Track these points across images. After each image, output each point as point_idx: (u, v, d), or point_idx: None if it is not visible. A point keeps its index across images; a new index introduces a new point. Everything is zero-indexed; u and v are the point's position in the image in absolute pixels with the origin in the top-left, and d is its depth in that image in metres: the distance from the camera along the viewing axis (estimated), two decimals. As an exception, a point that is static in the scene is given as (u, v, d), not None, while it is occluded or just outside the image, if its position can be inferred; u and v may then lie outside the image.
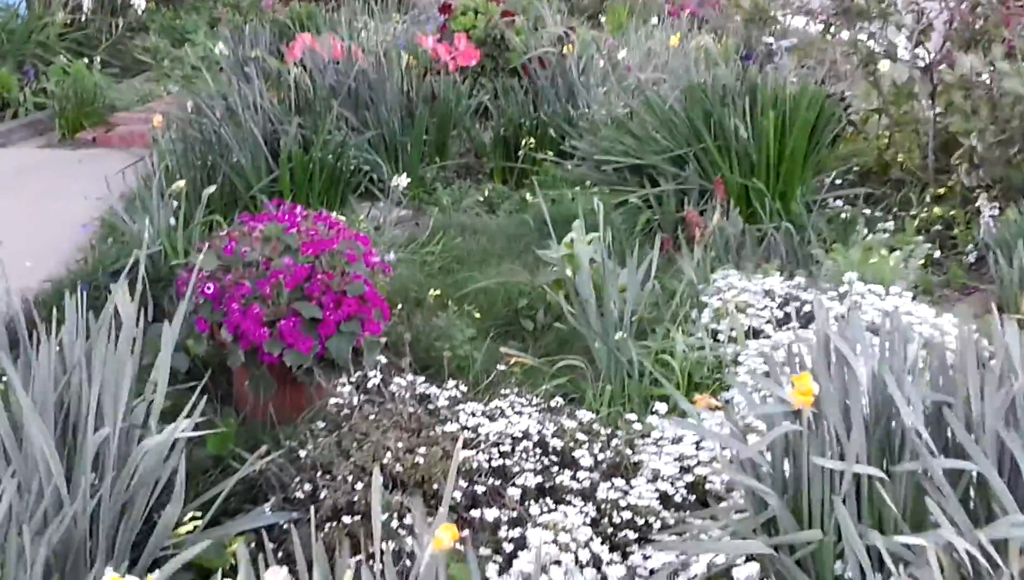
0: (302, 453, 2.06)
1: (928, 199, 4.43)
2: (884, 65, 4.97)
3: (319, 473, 1.98)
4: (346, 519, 1.86)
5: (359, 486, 1.89)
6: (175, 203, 3.57)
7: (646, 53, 6.31)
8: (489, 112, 5.25)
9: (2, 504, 1.61)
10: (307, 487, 1.96)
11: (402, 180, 4.05)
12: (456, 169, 4.84)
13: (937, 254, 3.95)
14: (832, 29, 5.16)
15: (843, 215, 4.25)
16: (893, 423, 1.81)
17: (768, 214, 4.06)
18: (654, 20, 7.63)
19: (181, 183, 3.55)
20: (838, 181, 4.62)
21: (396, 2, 7.71)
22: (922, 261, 3.59)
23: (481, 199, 4.39)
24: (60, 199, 4.76)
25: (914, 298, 3.16)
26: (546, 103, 5.07)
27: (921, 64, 4.72)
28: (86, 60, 6.71)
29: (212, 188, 3.60)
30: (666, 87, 4.93)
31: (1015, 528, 1.60)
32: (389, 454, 1.95)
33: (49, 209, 4.64)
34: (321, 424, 2.26)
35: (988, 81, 4.19)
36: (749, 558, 1.86)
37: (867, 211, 4.30)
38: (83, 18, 7.67)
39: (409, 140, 4.67)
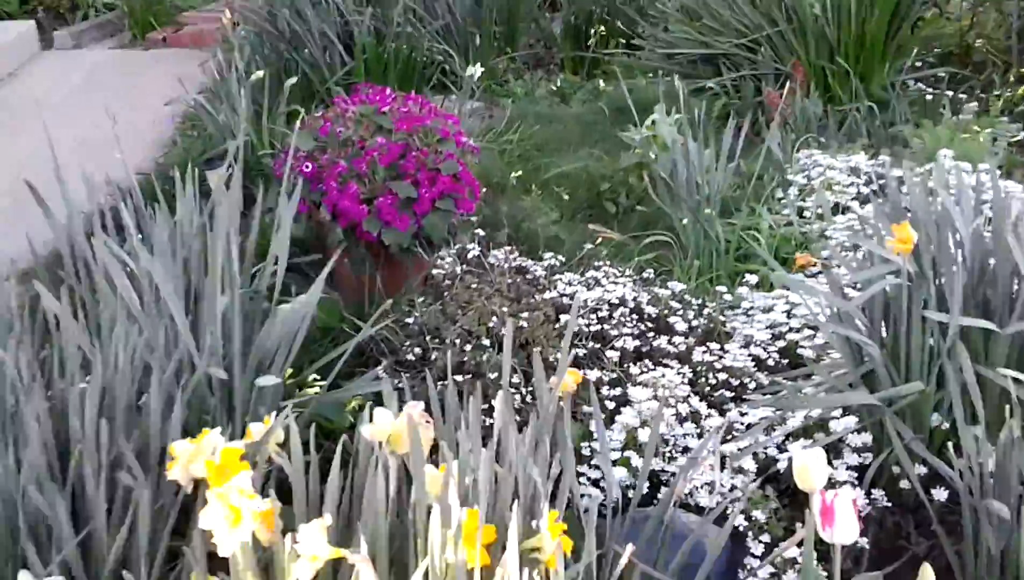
0: (409, 320, 2.16)
1: (1012, 80, 4.30)
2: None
3: (428, 338, 2.08)
4: (458, 378, 1.96)
5: (468, 347, 1.98)
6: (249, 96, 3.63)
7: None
8: (557, 2, 5.17)
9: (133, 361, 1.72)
10: (417, 350, 2.06)
11: (476, 70, 4.05)
12: (526, 60, 4.80)
13: (1023, 136, 3.86)
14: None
15: (926, 97, 4.15)
16: (992, 287, 1.83)
17: (849, 96, 3.98)
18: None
19: (260, 73, 3.60)
20: (919, 64, 4.49)
21: None
22: (1009, 139, 3.51)
23: (553, 89, 4.37)
24: (138, 96, 4.85)
25: (1002, 177, 3.12)
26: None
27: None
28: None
29: (293, 79, 3.65)
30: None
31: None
32: (495, 318, 2.04)
33: (130, 105, 4.74)
34: (420, 299, 2.34)
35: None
36: (845, 412, 1.92)
37: (950, 93, 4.19)
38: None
39: (479, 31, 4.64)
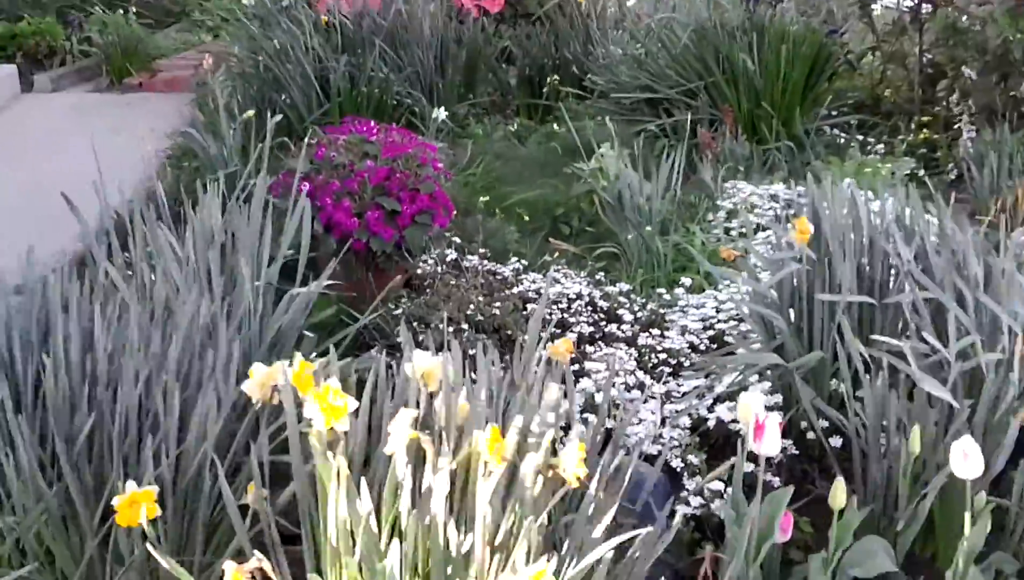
0: (397, 312, 2.53)
1: (914, 126, 4.89)
2: (877, 7, 5.40)
3: (415, 324, 2.45)
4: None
5: (451, 330, 2.36)
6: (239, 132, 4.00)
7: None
8: (512, 56, 5.66)
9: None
10: (406, 335, 2.43)
11: (441, 113, 4.50)
12: (485, 107, 5.26)
13: (921, 173, 4.41)
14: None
15: (839, 140, 4.70)
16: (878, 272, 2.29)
17: (773, 137, 4.51)
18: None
19: (250, 112, 3.98)
20: (835, 112, 5.07)
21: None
22: (908, 173, 4.05)
23: (511, 131, 4.82)
24: (119, 136, 5.17)
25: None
26: (566, 45, 5.49)
27: (910, 5, 5.15)
28: (121, 11, 7.09)
29: (277, 117, 4.02)
30: (678, 27, 5.35)
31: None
32: (472, 306, 2.42)
33: (112, 144, 5.04)
34: (405, 296, 2.72)
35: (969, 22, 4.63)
36: (761, 379, 2.35)
37: (860, 137, 4.76)
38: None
39: (443, 80, 5.09)
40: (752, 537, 1.77)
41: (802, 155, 4.35)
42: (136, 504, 1.37)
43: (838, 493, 1.77)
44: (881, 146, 4.62)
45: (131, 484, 1.39)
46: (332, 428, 1.45)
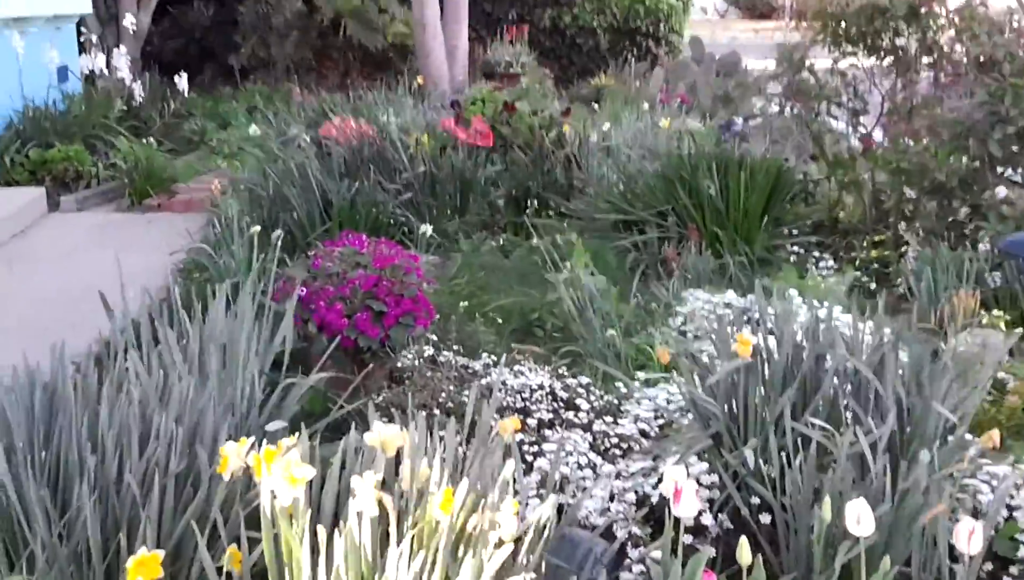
0: (378, 399, 2.86)
1: (867, 245, 5.32)
2: (830, 139, 5.93)
3: (392, 410, 2.77)
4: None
5: (422, 414, 2.68)
6: (247, 246, 4.42)
7: (636, 133, 7.27)
8: (500, 179, 6.18)
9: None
10: (384, 419, 2.75)
11: (428, 229, 4.96)
12: (475, 225, 5.72)
13: (873, 286, 4.80)
14: (789, 109, 6.13)
15: (794, 257, 5.12)
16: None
17: (734, 254, 4.92)
18: (646, 106, 8.60)
19: (256, 228, 4.41)
20: (795, 232, 5.51)
21: (410, 91, 8.80)
22: (860, 287, 4.44)
23: (497, 246, 5.25)
24: (139, 252, 5.61)
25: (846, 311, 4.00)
26: (549, 172, 6.01)
27: (859, 136, 5.68)
28: (143, 140, 7.70)
29: (279, 232, 4.46)
30: (650, 158, 5.89)
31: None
32: (443, 394, 2.75)
33: (131, 259, 5.48)
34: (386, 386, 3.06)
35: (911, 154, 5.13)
36: (701, 460, 2.65)
37: (816, 254, 5.18)
38: (135, 103, 8.72)
39: (434, 202, 5.58)
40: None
41: (762, 270, 4.75)
42: (144, 565, 1.68)
43: (743, 552, 2.05)
44: (833, 262, 5.03)
45: (142, 549, 1.71)
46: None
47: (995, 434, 2.43)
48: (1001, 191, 4.95)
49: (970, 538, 1.92)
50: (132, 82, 8.84)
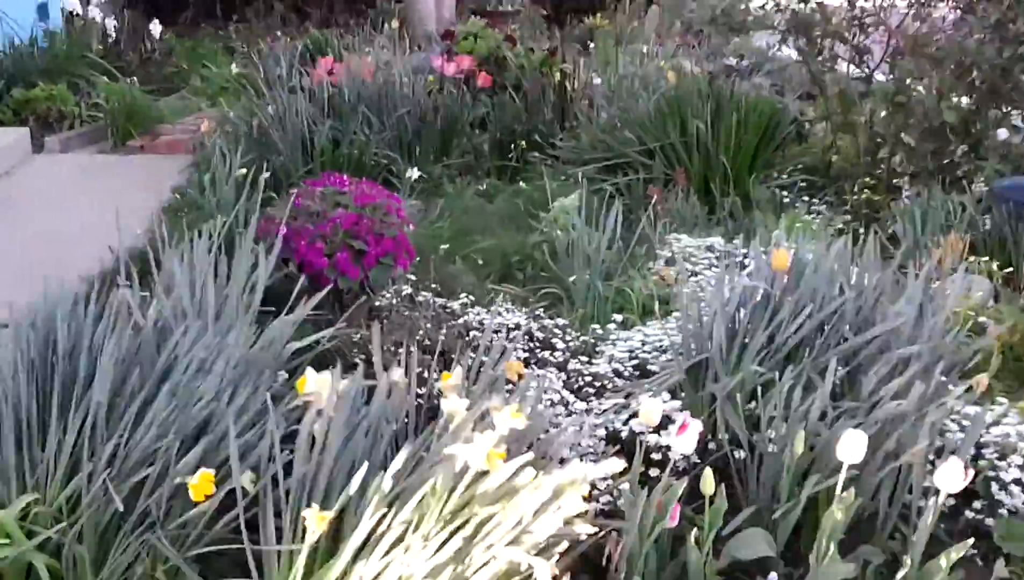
0: (356, 337, 2.86)
1: (858, 189, 5.28)
2: (831, 78, 5.84)
3: (369, 347, 2.77)
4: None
5: (400, 352, 2.68)
6: (232, 187, 4.39)
7: (629, 74, 7.16)
8: (487, 122, 6.10)
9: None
10: (362, 356, 2.75)
11: (414, 172, 4.92)
12: (459, 168, 5.67)
13: (861, 231, 4.78)
14: (788, 43, 6.02)
15: (785, 201, 5.08)
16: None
17: (723, 197, 4.89)
18: (643, 48, 8.44)
19: (243, 170, 4.38)
20: (786, 176, 5.46)
21: (398, 30, 8.65)
22: (847, 231, 4.42)
23: (481, 190, 5.21)
24: (126, 193, 5.56)
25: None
26: (537, 113, 5.93)
27: (861, 76, 5.60)
28: (127, 80, 7.59)
29: (267, 174, 4.42)
30: (643, 96, 5.80)
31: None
32: (421, 332, 2.75)
33: (118, 200, 5.44)
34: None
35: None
36: (674, 398, 2.66)
37: (807, 198, 5.15)
38: (112, 43, 8.59)
39: (419, 143, 5.52)
40: (647, 519, 2.08)
41: (748, 214, 4.72)
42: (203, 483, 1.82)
43: (707, 483, 2.08)
44: (824, 207, 5.00)
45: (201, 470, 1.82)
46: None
47: (984, 379, 2.45)
48: (1002, 133, 4.88)
49: (950, 476, 1.96)
50: (106, 19, 8.71)
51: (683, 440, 2.08)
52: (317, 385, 2.00)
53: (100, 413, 2.01)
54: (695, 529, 2.10)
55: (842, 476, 2.04)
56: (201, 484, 1.80)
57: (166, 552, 1.92)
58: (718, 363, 2.57)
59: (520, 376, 2.29)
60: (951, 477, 1.96)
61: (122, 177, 5.98)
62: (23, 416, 2.05)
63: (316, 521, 1.69)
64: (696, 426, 2.08)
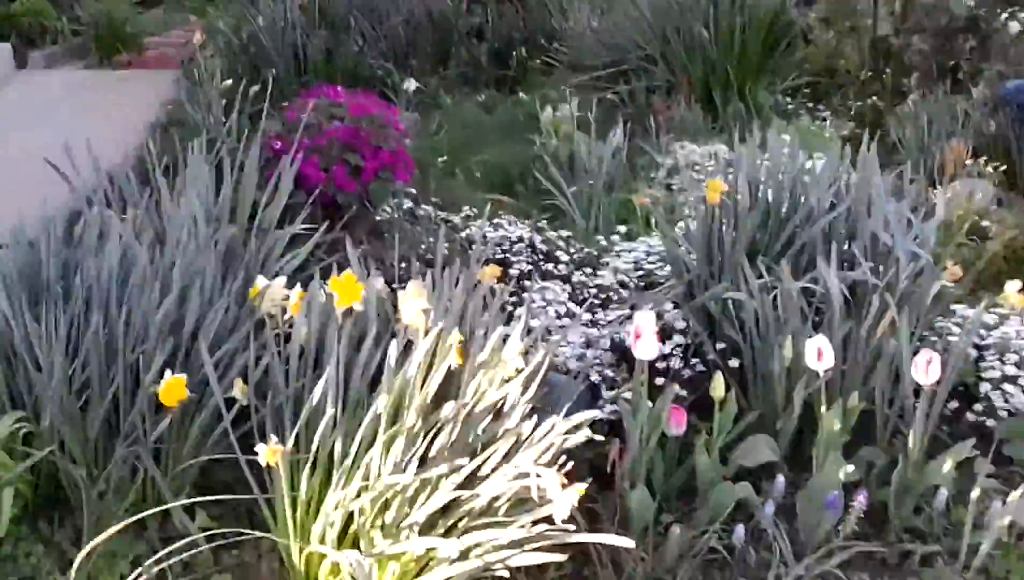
0: (357, 252, 2.82)
1: (863, 94, 5.18)
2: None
3: (370, 261, 2.75)
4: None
5: (403, 265, 2.66)
6: (223, 101, 4.29)
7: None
8: (483, 31, 5.94)
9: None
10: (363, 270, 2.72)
11: (411, 84, 4.79)
12: (456, 79, 5.54)
13: (864, 136, 4.70)
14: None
15: (789, 107, 4.99)
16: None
17: (727, 105, 4.79)
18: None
19: (229, 81, 4.27)
20: (789, 81, 5.35)
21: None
22: (846, 133, 4.35)
23: (479, 102, 5.10)
24: (114, 109, 5.44)
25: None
26: (534, 21, 5.77)
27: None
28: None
29: (256, 87, 4.30)
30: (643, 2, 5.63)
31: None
32: (423, 246, 2.72)
33: (108, 115, 5.33)
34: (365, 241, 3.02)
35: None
36: (676, 308, 2.65)
37: (811, 104, 5.05)
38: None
39: (415, 54, 5.37)
40: (647, 427, 2.08)
41: (752, 121, 4.63)
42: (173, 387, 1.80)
43: (718, 386, 2.07)
44: (829, 113, 4.91)
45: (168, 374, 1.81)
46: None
47: (956, 269, 2.43)
48: (1014, 26, 4.76)
49: (928, 368, 1.94)
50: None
51: (642, 346, 2.02)
52: (272, 293, 2.01)
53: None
54: (703, 434, 2.10)
55: (821, 383, 2.03)
56: (171, 389, 1.78)
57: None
58: (699, 280, 2.55)
59: (499, 279, 2.24)
60: (925, 367, 1.93)
61: (111, 93, 5.84)
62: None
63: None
64: (650, 333, 2.01)
